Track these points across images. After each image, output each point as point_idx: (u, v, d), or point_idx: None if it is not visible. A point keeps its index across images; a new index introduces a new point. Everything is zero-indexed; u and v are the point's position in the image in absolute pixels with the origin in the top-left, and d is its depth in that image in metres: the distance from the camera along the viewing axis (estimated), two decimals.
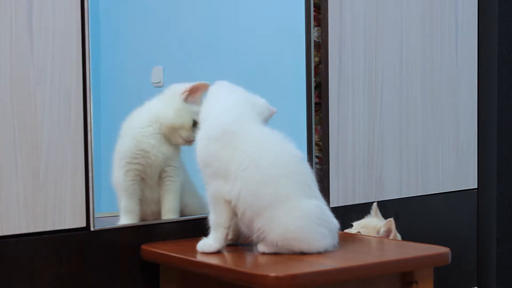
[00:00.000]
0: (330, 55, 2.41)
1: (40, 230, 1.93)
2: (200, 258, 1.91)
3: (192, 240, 2.01)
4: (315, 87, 2.41)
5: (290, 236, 1.86)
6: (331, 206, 2.20)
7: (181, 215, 2.18)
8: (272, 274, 1.71)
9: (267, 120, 2.04)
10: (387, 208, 2.44)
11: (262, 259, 1.87)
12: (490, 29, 2.78)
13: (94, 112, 2.00)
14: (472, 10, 2.76)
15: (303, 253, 1.87)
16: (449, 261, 1.96)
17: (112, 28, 2.22)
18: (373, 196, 2.51)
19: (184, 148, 2.17)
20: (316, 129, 2.41)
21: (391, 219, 2.22)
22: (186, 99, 2.13)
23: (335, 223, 1.96)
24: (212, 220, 1.93)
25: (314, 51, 2.40)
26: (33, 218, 1.92)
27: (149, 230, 2.11)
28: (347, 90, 2.46)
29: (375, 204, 2.33)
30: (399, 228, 2.26)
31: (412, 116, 2.62)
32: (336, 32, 2.43)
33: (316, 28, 2.40)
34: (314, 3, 2.39)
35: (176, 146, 2.16)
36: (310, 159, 2.36)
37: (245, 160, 1.88)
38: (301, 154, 1.97)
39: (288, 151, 1.94)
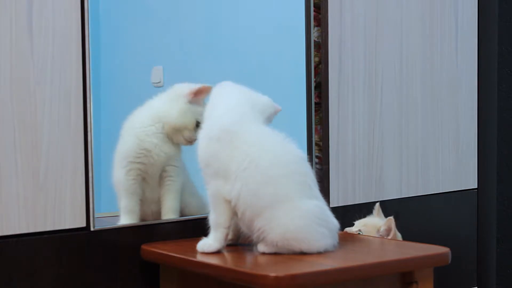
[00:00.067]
0: (330, 55, 2.41)
1: (40, 230, 1.93)
2: (200, 258, 1.91)
3: (192, 240, 2.01)
4: (315, 87, 2.41)
5: (290, 236, 1.86)
6: (331, 206, 2.20)
7: (181, 215, 2.18)
8: (272, 274, 1.71)
9: (271, 118, 2.04)
10: (387, 208, 2.44)
11: (262, 259, 1.87)
12: (490, 29, 2.78)
13: (94, 112, 2.00)
14: (472, 10, 2.76)
15: (303, 253, 1.87)
16: (449, 261, 1.96)
17: (112, 28, 2.22)
18: (373, 196, 2.51)
19: (184, 148, 2.17)
20: (316, 129, 2.41)
21: (391, 218, 2.22)
22: (190, 101, 2.13)
23: (335, 223, 1.96)
24: (212, 220, 1.93)
25: (314, 51, 2.40)
26: (33, 218, 1.92)
27: (149, 230, 2.11)
28: (347, 90, 2.46)
29: (377, 204, 2.34)
30: (399, 228, 2.26)
31: (412, 116, 2.62)
32: (336, 32, 2.43)
33: (316, 28, 2.40)
34: (314, 3, 2.39)
35: (177, 146, 2.16)
36: (310, 159, 2.35)
37: (245, 160, 1.88)
38: (303, 154, 1.97)
39: (289, 151, 1.94)
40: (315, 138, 2.40)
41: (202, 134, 1.96)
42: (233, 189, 1.89)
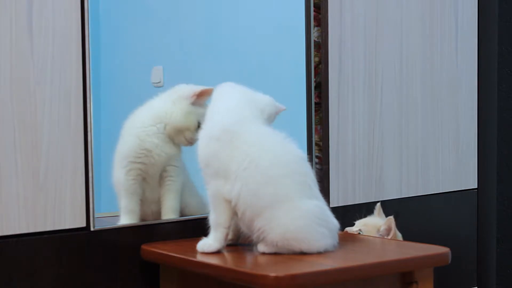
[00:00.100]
0: (330, 55, 2.41)
1: (40, 230, 1.93)
2: (200, 258, 1.91)
3: (192, 240, 2.01)
4: (315, 87, 2.40)
5: (290, 236, 1.86)
6: (331, 206, 2.20)
7: (181, 215, 2.18)
8: (272, 274, 1.71)
9: (273, 117, 2.04)
10: (387, 208, 2.44)
11: (262, 259, 1.87)
12: (490, 29, 2.78)
13: (94, 112, 2.00)
14: (472, 10, 2.76)
15: (303, 253, 1.87)
16: (449, 261, 1.96)
17: (112, 28, 2.22)
18: (373, 196, 2.51)
19: (184, 148, 2.17)
20: (316, 129, 2.41)
21: (391, 217, 2.22)
22: (193, 102, 2.13)
23: (335, 223, 1.96)
24: (212, 220, 1.93)
25: (314, 51, 2.40)
26: (33, 218, 1.92)
27: (149, 230, 2.11)
28: (347, 90, 2.46)
29: (378, 204, 2.34)
30: (399, 228, 2.27)
31: (412, 116, 2.62)
32: (336, 32, 2.43)
33: (316, 28, 2.40)
34: (314, 3, 2.39)
35: (178, 146, 2.17)
36: (310, 159, 2.35)
37: (246, 160, 1.88)
38: (303, 154, 1.97)
39: (289, 151, 1.95)
40: (315, 138, 2.40)
41: (202, 134, 1.96)
42: (233, 189, 1.89)
